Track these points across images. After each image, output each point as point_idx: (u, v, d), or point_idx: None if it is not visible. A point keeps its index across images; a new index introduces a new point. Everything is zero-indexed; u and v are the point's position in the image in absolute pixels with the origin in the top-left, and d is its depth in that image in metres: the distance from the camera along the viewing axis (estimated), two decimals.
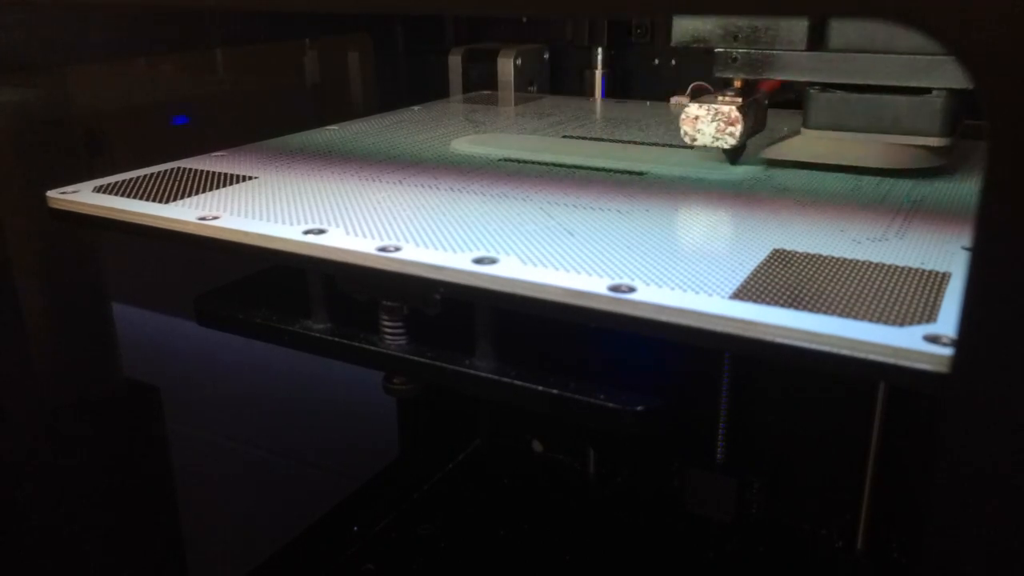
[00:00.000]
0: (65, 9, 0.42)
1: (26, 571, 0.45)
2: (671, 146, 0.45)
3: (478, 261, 0.28)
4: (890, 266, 0.28)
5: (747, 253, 0.29)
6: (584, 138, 0.49)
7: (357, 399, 0.88)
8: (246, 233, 0.32)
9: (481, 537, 0.64)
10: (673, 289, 0.26)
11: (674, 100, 0.58)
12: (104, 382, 0.48)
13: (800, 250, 0.29)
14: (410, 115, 0.57)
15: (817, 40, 0.39)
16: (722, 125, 0.39)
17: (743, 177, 0.40)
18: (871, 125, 0.39)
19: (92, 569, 0.48)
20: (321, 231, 0.32)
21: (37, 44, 0.41)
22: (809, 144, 0.41)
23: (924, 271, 0.27)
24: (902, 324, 0.23)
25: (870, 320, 0.24)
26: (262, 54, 0.67)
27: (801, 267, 0.28)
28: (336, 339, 0.36)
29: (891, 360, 0.22)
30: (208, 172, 0.41)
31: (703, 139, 0.40)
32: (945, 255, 0.29)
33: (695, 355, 0.27)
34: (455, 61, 0.64)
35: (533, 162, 0.44)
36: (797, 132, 0.42)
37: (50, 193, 0.38)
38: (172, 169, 0.42)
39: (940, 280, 0.26)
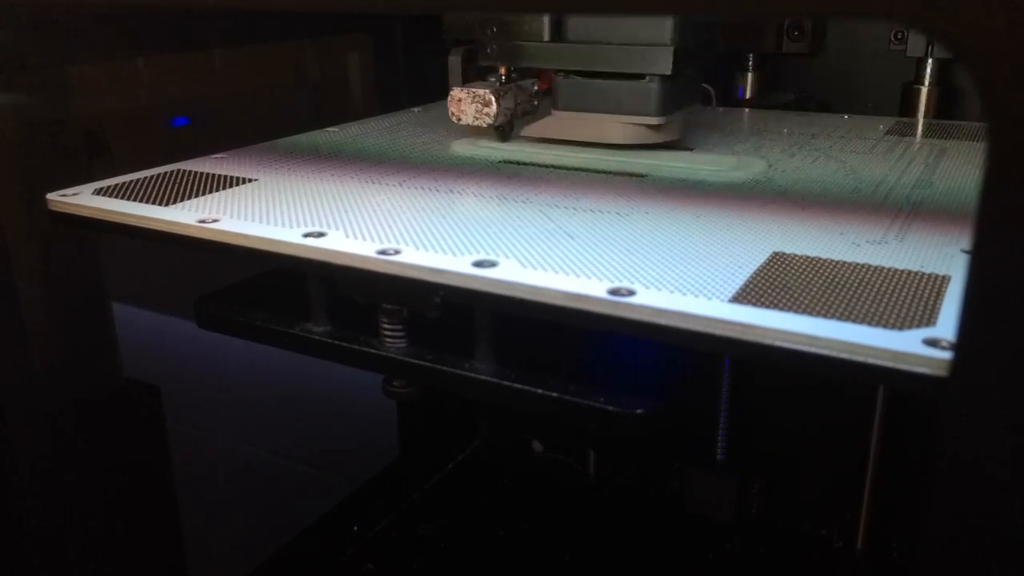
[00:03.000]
0: (65, 9, 0.42)
1: (26, 571, 0.45)
2: (671, 148, 0.45)
3: (478, 264, 0.29)
4: (889, 269, 0.28)
5: (746, 256, 0.29)
6: (587, 144, 0.49)
7: (357, 399, 0.88)
8: (246, 236, 0.32)
9: (481, 537, 0.64)
10: (672, 292, 0.26)
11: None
12: (104, 382, 0.48)
13: (799, 253, 0.29)
14: (410, 117, 0.57)
15: (557, 33, 0.44)
16: (479, 106, 0.44)
17: (743, 180, 0.40)
18: (604, 106, 0.44)
19: (92, 569, 0.48)
20: (321, 234, 0.32)
21: (37, 44, 0.41)
22: (558, 123, 0.45)
23: (923, 274, 0.27)
24: (901, 328, 0.23)
25: (869, 324, 0.24)
26: (262, 54, 0.67)
27: (800, 270, 0.28)
28: (336, 342, 0.35)
29: (890, 364, 0.22)
30: (208, 174, 0.41)
31: (466, 119, 0.44)
32: (944, 258, 0.29)
33: (695, 356, 0.27)
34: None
35: (533, 164, 0.44)
36: (550, 114, 0.46)
37: (50, 196, 0.38)
38: (172, 171, 0.42)
39: (939, 283, 0.27)
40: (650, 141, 0.44)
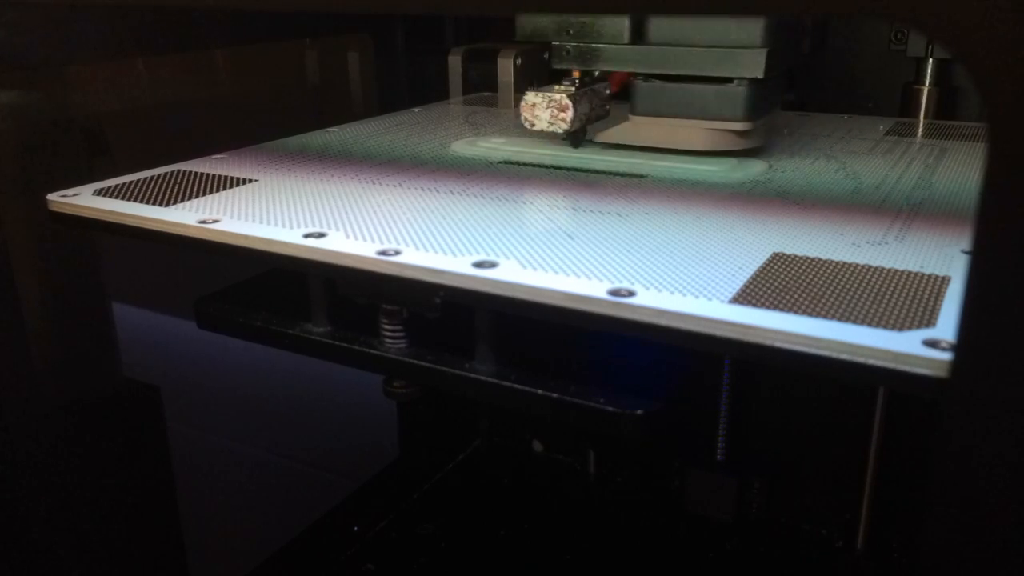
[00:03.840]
0: (65, 9, 0.42)
1: (26, 571, 0.45)
2: (671, 149, 0.45)
3: (478, 265, 0.29)
4: (889, 270, 0.28)
5: (747, 257, 0.29)
6: (584, 140, 0.49)
7: (357, 399, 0.88)
8: (246, 237, 0.32)
9: (481, 537, 0.64)
10: (673, 293, 0.26)
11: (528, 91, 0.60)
12: (104, 382, 0.48)
13: (800, 253, 0.29)
14: (410, 117, 0.57)
15: (638, 35, 0.43)
16: (555, 111, 0.42)
17: (743, 180, 0.40)
18: (685, 111, 0.42)
19: (92, 569, 0.48)
20: (321, 235, 0.32)
21: (37, 44, 0.41)
22: (635, 129, 0.44)
23: (923, 275, 0.27)
24: (901, 328, 0.23)
25: (869, 324, 0.24)
26: (262, 54, 0.67)
27: (801, 271, 0.28)
28: (336, 343, 0.36)
29: (890, 365, 0.22)
30: (208, 175, 0.41)
31: (540, 124, 0.43)
32: (944, 258, 0.29)
33: (696, 356, 0.27)
34: (455, 61, 0.64)
35: (533, 165, 0.44)
36: (627, 118, 0.45)
37: (50, 196, 0.38)
38: (172, 172, 0.42)
39: (939, 284, 0.27)
40: (734, 147, 0.43)
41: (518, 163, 0.44)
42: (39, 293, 0.43)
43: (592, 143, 0.46)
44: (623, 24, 0.42)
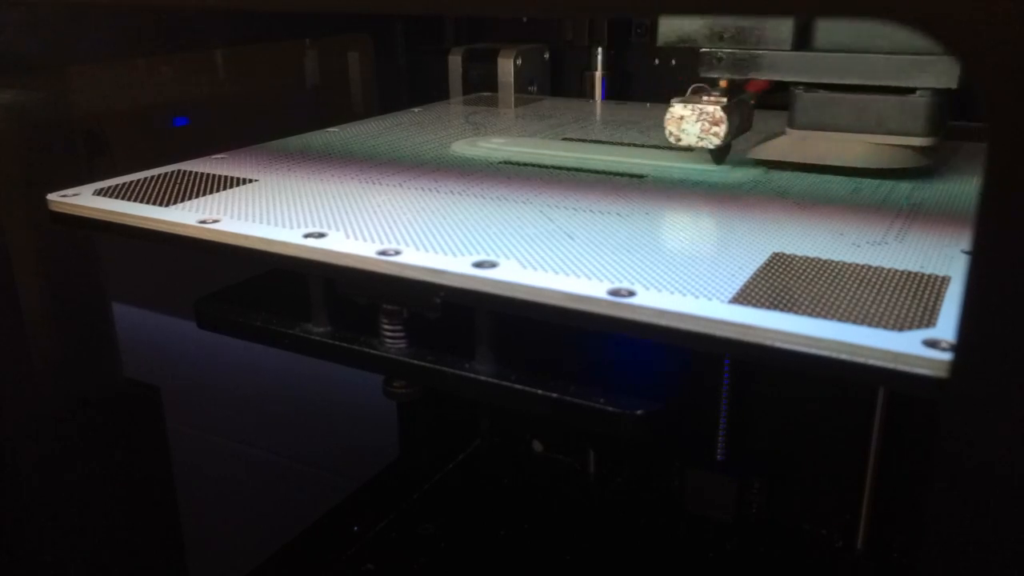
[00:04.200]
0: (65, 9, 0.42)
1: (26, 571, 0.45)
2: (671, 149, 0.45)
3: (478, 265, 0.29)
4: (889, 270, 0.28)
5: (747, 257, 0.29)
6: (584, 140, 0.49)
7: (357, 399, 0.88)
8: (247, 237, 0.32)
9: (481, 537, 0.64)
10: (673, 293, 0.26)
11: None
12: (104, 382, 0.48)
13: (800, 254, 0.29)
14: (410, 117, 0.57)
15: (802, 40, 0.39)
16: (707, 125, 0.39)
17: (743, 180, 0.40)
18: (856, 125, 0.39)
19: (92, 569, 0.48)
20: (321, 235, 0.32)
21: (37, 44, 0.41)
22: (794, 144, 0.40)
23: (923, 275, 0.27)
24: (901, 329, 0.23)
25: (869, 324, 0.24)
26: (262, 54, 0.67)
27: (801, 271, 0.28)
28: (336, 343, 0.36)
29: (890, 365, 0.22)
30: (209, 175, 0.41)
31: (688, 139, 0.40)
32: (944, 258, 0.29)
33: (696, 356, 0.27)
34: (455, 61, 0.64)
35: (533, 165, 0.44)
36: (783, 132, 0.41)
37: (51, 196, 0.38)
38: (173, 172, 0.42)
39: (939, 284, 0.27)
40: (910, 165, 0.39)
41: (518, 163, 0.44)
42: (39, 293, 0.43)
43: (587, 141, 0.46)
44: (787, 28, 0.39)
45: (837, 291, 0.26)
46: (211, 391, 0.99)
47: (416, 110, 0.59)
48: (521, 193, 0.38)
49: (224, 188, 0.39)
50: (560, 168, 0.43)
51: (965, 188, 0.38)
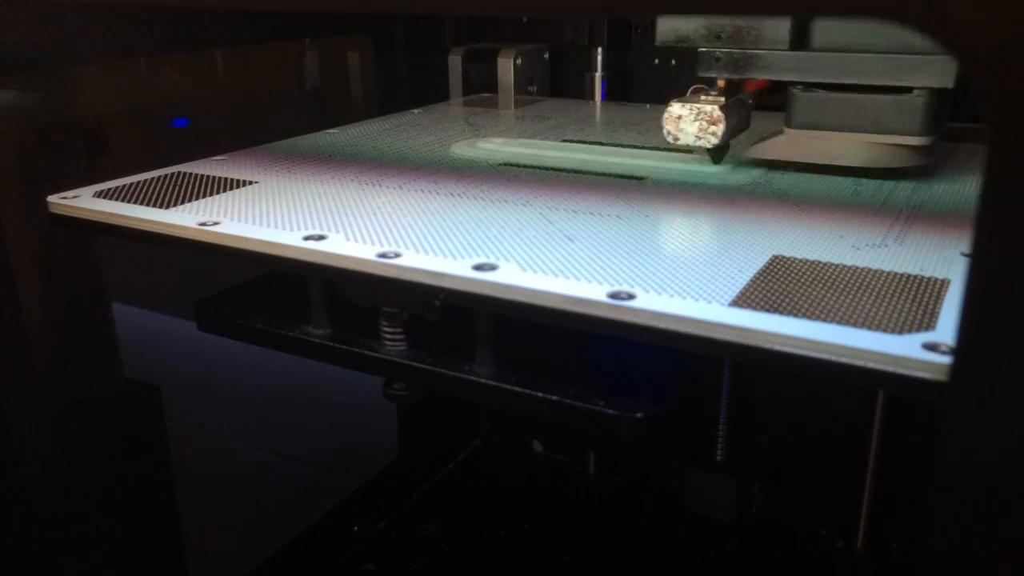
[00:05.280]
0: (65, 9, 0.42)
1: (26, 571, 0.45)
2: (671, 151, 0.45)
3: (478, 268, 0.29)
4: (889, 273, 0.28)
5: (746, 259, 0.29)
6: (584, 142, 0.49)
7: (357, 399, 0.88)
8: (247, 239, 0.32)
9: (481, 537, 0.64)
10: (672, 296, 0.26)
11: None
12: (104, 382, 0.48)
13: (799, 256, 0.29)
14: (410, 118, 0.57)
15: (799, 40, 0.39)
16: (704, 124, 0.39)
17: (743, 182, 0.40)
18: (853, 124, 0.39)
19: (92, 569, 0.48)
20: (321, 237, 0.32)
21: (37, 44, 0.41)
22: (792, 143, 0.41)
23: (923, 278, 0.27)
24: (901, 332, 0.23)
25: (869, 328, 0.24)
26: (262, 55, 0.67)
27: (800, 274, 0.28)
28: (336, 345, 0.36)
29: (890, 368, 0.22)
30: (209, 177, 0.41)
31: (685, 138, 0.40)
32: (944, 261, 0.29)
33: (696, 358, 0.27)
34: (455, 61, 0.64)
35: (533, 166, 0.44)
36: (780, 132, 0.41)
37: (51, 198, 0.38)
38: (172, 174, 0.42)
39: (939, 287, 0.27)
40: (906, 164, 0.39)
41: (518, 165, 0.44)
42: (39, 293, 0.43)
43: (587, 143, 0.46)
44: (784, 28, 0.39)
45: (837, 294, 0.26)
46: (211, 391, 0.99)
47: (416, 111, 0.59)
48: (521, 195, 0.38)
49: (224, 190, 0.39)
50: (560, 170, 0.43)
51: (965, 190, 0.38)
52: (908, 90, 0.38)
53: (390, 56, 0.66)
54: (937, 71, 0.37)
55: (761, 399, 0.60)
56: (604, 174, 0.42)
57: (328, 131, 0.52)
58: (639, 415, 0.30)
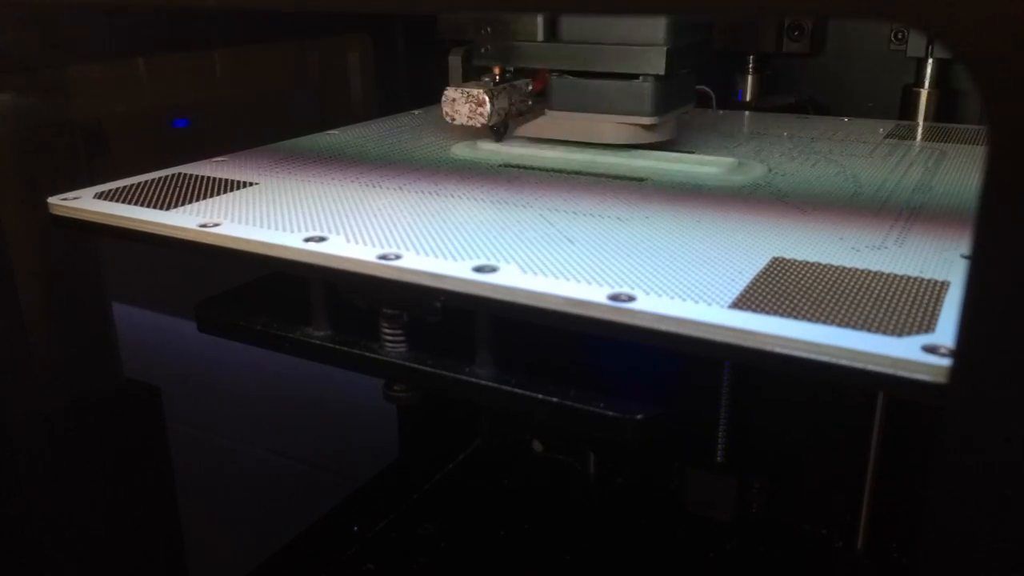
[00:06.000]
0: (65, 9, 0.42)
1: (26, 571, 0.45)
2: (671, 152, 0.45)
3: (478, 269, 0.29)
4: (889, 275, 0.28)
5: (746, 261, 0.29)
6: (584, 143, 0.49)
7: (357, 399, 0.88)
8: (247, 241, 0.33)
9: (481, 537, 0.64)
10: (673, 298, 0.26)
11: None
12: (104, 382, 0.48)
13: (799, 258, 0.29)
14: (410, 119, 0.57)
15: (551, 33, 0.44)
16: (473, 106, 0.43)
17: (743, 184, 0.40)
18: (598, 106, 0.44)
19: (92, 569, 0.48)
20: (322, 239, 0.32)
21: (37, 44, 0.41)
22: (552, 123, 0.46)
23: (923, 280, 0.27)
24: (900, 334, 0.23)
25: (869, 330, 0.24)
26: (262, 55, 0.67)
27: (800, 276, 0.28)
28: (336, 346, 0.36)
29: (889, 371, 0.22)
30: (209, 178, 0.41)
31: (460, 119, 0.44)
32: (944, 263, 0.29)
33: (696, 359, 0.27)
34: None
35: (533, 168, 0.44)
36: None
37: (51, 200, 0.38)
38: (172, 175, 0.42)
39: (939, 289, 0.27)
40: (644, 141, 0.45)
41: (518, 166, 0.44)
42: (39, 293, 0.43)
43: (587, 144, 0.46)
44: (537, 23, 0.44)
45: (837, 296, 0.26)
46: (211, 391, 0.99)
47: (416, 112, 0.59)
48: (521, 196, 0.38)
49: (224, 191, 0.39)
50: (560, 171, 0.43)
51: (964, 191, 0.38)
52: (635, 76, 0.43)
53: (390, 56, 0.66)
54: (652, 60, 0.42)
55: (761, 399, 0.61)
56: (605, 175, 0.42)
57: (329, 132, 0.52)
58: (639, 417, 0.30)
